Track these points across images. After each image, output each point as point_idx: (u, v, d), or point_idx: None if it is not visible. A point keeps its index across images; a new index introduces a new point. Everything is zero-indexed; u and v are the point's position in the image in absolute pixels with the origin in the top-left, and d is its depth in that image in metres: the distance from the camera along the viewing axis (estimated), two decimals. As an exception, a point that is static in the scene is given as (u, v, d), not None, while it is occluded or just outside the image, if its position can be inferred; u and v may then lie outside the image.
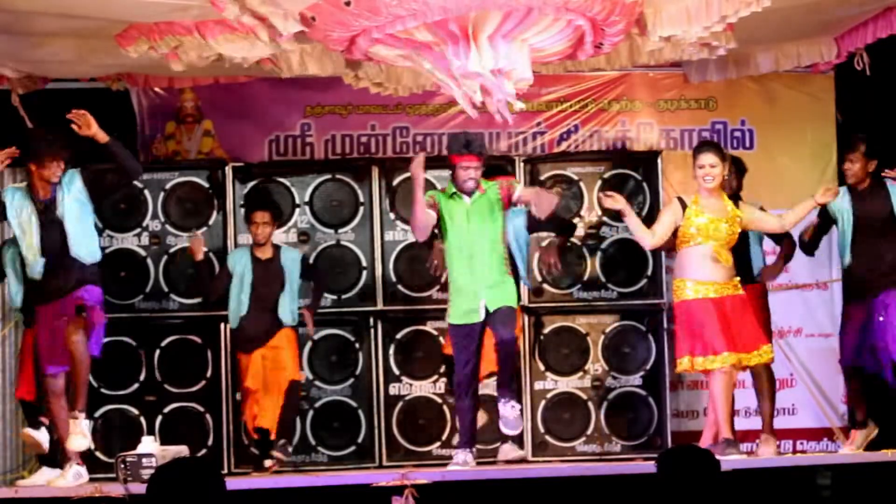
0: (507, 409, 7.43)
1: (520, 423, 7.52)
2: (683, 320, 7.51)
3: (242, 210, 8.94)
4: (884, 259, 7.85)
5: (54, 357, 7.12)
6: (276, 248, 8.43)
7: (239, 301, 8.29)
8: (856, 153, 7.98)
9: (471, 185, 7.47)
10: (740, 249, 7.75)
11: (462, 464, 7.40)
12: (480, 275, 7.40)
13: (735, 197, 7.90)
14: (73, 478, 7.03)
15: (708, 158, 7.54)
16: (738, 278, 7.56)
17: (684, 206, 7.54)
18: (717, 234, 7.49)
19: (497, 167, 8.44)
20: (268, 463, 8.21)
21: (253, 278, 8.27)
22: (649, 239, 7.64)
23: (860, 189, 7.99)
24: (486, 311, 7.38)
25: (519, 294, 7.87)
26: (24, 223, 7.17)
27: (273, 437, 8.25)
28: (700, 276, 7.47)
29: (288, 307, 8.32)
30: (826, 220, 8.09)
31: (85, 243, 7.21)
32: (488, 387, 8.08)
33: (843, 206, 7.97)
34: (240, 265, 8.33)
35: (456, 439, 8.63)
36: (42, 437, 7.57)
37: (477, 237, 7.43)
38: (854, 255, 7.92)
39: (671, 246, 7.74)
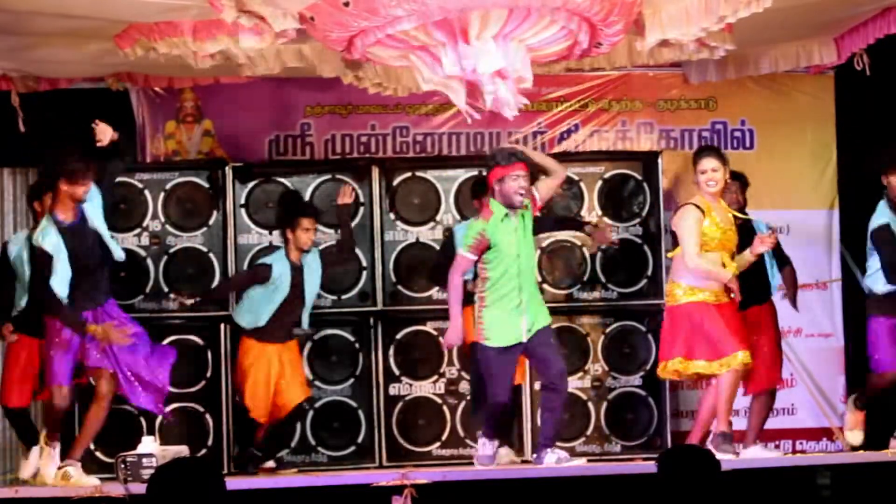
0: (551, 458, 7.42)
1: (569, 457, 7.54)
2: (680, 324, 7.51)
3: (243, 210, 8.94)
4: None
5: (68, 370, 7.17)
6: (299, 251, 8.37)
7: (271, 303, 8.22)
8: None
9: (522, 195, 7.42)
10: (758, 269, 7.74)
11: (483, 450, 7.48)
12: (525, 294, 7.44)
13: (742, 211, 7.90)
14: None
15: (710, 163, 7.51)
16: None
17: (702, 211, 7.49)
18: (728, 245, 7.49)
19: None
20: (271, 464, 8.23)
21: (291, 284, 8.24)
22: (696, 258, 7.49)
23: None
24: (528, 331, 7.41)
25: None
26: (54, 248, 7.15)
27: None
28: (701, 283, 7.46)
29: (308, 311, 8.36)
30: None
31: (114, 245, 7.32)
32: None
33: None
34: (281, 272, 8.26)
35: (456, 439, 8.68)
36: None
37: (524, 255, 7.47)
38: None
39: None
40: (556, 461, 7.37)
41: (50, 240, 7.13)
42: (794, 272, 8.35)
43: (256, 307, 8.25)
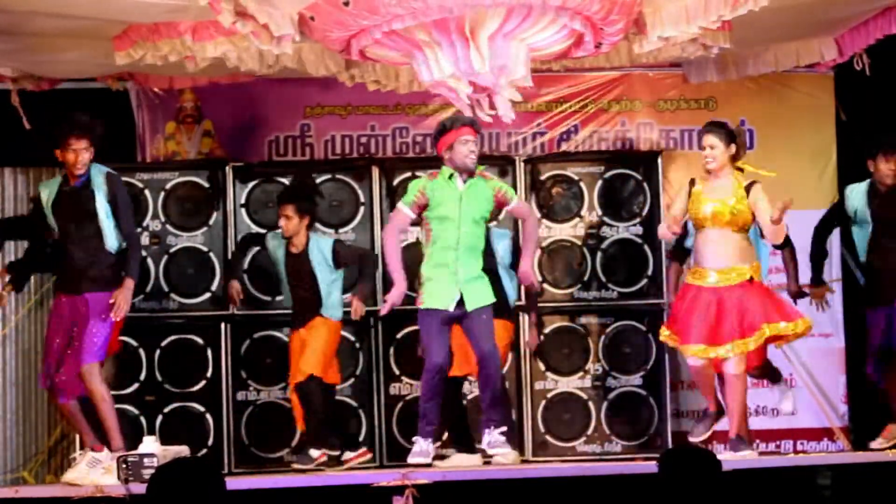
0: (494, 435, 7.41)
1: (507, 445, 7.48)
2: (678, 300, 7.56)
3: (243, 210, 8.94)
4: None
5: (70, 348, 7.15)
6: (307, 238, 8.29)
7: (286, 294, 8.34)
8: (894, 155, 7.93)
9: (472, 160, 7.41)
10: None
11: (421, 454, 7.33)
12: (463, 263, 7.39)
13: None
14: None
15: (707, 139, 7.50)
16: (743, 265, 7.48)
17: (692, 185, 7.49)
18: (721, 219, 7.41)
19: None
20: (315, 454, 8.15)
21: (286, 272, 8.27)
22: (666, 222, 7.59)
23: (883, 190, 7.99)
24: (463, 304, 7.36)
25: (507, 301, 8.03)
26: (48, 210, 7.18)
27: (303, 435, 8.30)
28: (703, 264, 7.44)
29: (326, 297, 8.20)
30: (839, 219, 8.10)
31: (112, 242, 7.18)
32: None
33: (859, 204, 7.97)
34: (277, 254, 8.29)
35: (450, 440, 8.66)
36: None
37: (464, 225, 7.40)
38: (874, 256, 7.95)
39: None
40: (487, 444, 7.40)
41: (46, 191, 7.18)
42: (793, 253, 8.32)
43: (283, 293, 8.38)
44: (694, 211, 7.45)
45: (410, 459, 7.39)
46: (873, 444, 7.91)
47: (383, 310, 7.64)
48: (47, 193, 7.23)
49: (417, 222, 7.73)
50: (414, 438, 7.56)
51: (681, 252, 8.35)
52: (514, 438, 8.83)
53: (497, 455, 7.52)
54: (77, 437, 8.60)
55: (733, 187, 7.44)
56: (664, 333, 7.66)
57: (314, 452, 8.09)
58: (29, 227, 7.58)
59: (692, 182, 7.54)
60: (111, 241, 7.14)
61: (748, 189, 7.46)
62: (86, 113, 7.27)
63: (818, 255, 8.34)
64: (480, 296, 7.46)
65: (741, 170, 7.61)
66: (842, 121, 9.81)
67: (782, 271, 8.55)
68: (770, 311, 7.37)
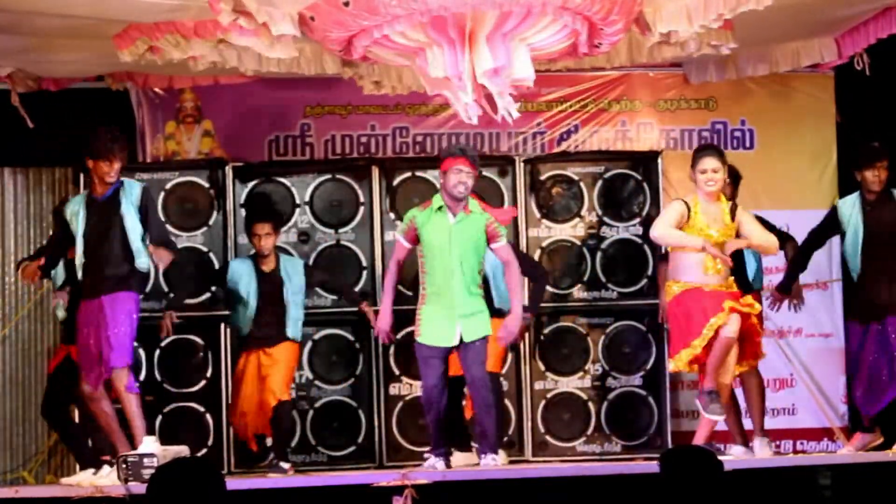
0: (488, 460, 7.37)
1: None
2: (675, 315, 7.49)
3: (243, 211, 8.93)
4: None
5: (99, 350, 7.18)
6: (277, 257, 8.31)
7: (245, 316, 8.16)
8: (883, 162, 7.90)
9: (461, 190, 7.30)
10: (736, 259, 7.70)
11: (431, 468, 7.31)
12: (459, 298, 7.31)
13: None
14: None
15: (711, 163, 7.47)
16: (733, 278, 7.52)
17: (688, 208, 7.47)
18: (711, 237, 7.43)
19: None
20: (286, 466, 8.16)
21: (259, 293, 8.16)
22: (657, 227, 7.54)
23: (871, 199, 7.95)
24: (461, 339, 7.32)
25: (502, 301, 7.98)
26: (75, 223, 7.23)
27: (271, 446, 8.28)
28: (690, 280, 7.44)
29: (293, 319, 8.21)
30: (831, 229, 8.07)
31: (137, 249, 7.24)
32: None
33: (852, 214, 7.94)
34: (244, 278, 8.19)
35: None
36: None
37: (457, 259, 7.31)
38: (865, 270, 7.88)
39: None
40: (490, 462, 7.36)
41: (72, 207, 7.26)
42: (796, 247, 8.31)
43: (239, 318, 8.21)
44: (698, 231, 7.43)
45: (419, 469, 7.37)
46: (841, 451, 7.87)
47: (382, 336, 7.61)
48: (72, 208, 7.31)
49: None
50: (426, 454, 7.57)
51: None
52: (510, 437, 8.88)
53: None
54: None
55: (723, 213, 7.47)
56: (682, 361, 7.49)
57: (285, 465, 8.09)
58: (60, 244, 7.59)
59: (686, 204, 7.50)
60: (135, 246, 7.23)
61: (732, 213, 7.51)
62: (116, 126, 7.41)
63: (797, 265, 8.26)
64: (478, 329, 7.38)
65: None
66: (846, 117, 9.80)
67: (782, 271, 8.55)
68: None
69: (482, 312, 7.44)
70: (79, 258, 7.22)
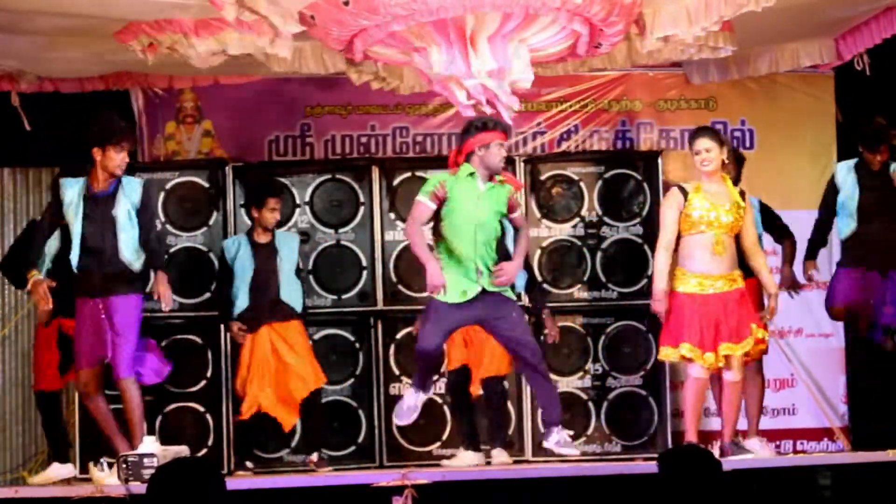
0: (563, 435, 7.38)
1: (572, 447, 7.52)
2: (674, 309, 7.50)
3: (243, 210, 8.92)
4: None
5: (97, 350, 7.15)
6: (272, 231, 8.36)
7: (243, 287, 8.19)
8: (884, 146, 8.09)
9: (503, 162, 7.29)
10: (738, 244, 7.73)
11: (410, 401, 7.31)
12: (482, 256, 7.24)
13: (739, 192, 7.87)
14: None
15: (703, 143, 7.49)
16: (739, 271, 7.51)
17: (685, 193, 7.50)
18: (718, 222, 7.41)
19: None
20: (314, 458, 8.23)
21: (255, 262, 8.20)
22: (662, 251, 7.50)
23: (872, 169, 8.13)
24: (480, 298, 7.17)
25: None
26: (71, 212, 7.09)
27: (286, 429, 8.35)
28: (699, 268, 7.41)
29: (293, 292, 8.24)
30: (833, 193, 8.19)
31: (134, 249, 7.18)
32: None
33: (847, 179, 8.07)
34: (241, 253, 8.25)
35: (456, 439, 8.66)
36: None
37: (484, 222, 7.27)
38: (863, 225, 8.09)
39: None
40: (555, 444, 7.34)
41: (69, 194, 7.06)
42: (793, 245, 8.36)
43: (236, 293, 8.23)
44: (696, 215, 7.42)
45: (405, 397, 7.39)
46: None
47: (436, 292, 7.23)
48: (70, 195, 7.11)
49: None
50: (408, 385, 7.52)
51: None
52: (510, 437, 8.89)
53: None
54: (77, 436, 8.63)
55: (729, 193, 7.47)
56: (670, 352, 7.49)
57: (314, 456, 8.21)
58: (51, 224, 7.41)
59: (682, 189, 7.50)
60: (132, 246, 7.15)
61: (742, 195, 7.52)
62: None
63: (816, 241, 8.41)
64: (505, 290, 7.31)
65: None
66: (846, 117, 9.80)
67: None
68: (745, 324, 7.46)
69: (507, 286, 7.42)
70: (75, 254, 7.09)
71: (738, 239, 7.50)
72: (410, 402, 7.33)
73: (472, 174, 7.28)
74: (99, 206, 7.10)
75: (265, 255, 8.24)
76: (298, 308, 8.27)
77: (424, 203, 7.30)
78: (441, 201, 7.28)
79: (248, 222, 8.98)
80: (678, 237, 7.50)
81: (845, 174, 8.20)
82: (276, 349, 8.15)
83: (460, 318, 7.26)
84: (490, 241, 7.34)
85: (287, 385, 8.14)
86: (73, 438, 8.57)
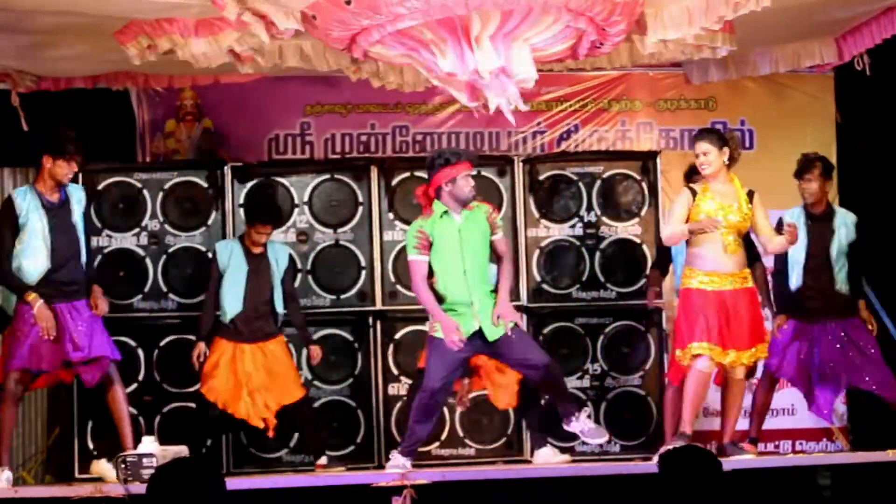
0: (582, 421, 7.46)
1: (600, 429, 7.61)
2: (684, 308, 7.52)
3: (242, 210, 8.91)
4: (833, 287, 7.99)
5: (56, 354, 7.18)
6: (265, 243, 8.34)
7: (234, 296, 8.16)
8: (812, 172, 8.06)
9: (472, 193, 7.38)
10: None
11: (399, 466, 7.26)
12: (475, 290, 7.33)
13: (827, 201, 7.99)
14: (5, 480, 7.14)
15: (701, 146, 7.56)
16: (749, 270, 7.55)
17: (694, 193, 7.53)
18: (726, 221, 7.44)
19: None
20: (324, 461, 8.24)
21: (248, 271, 8.18)
22: (665, 228, 7.67)
23: (816, 212, 8.11)
24: (482, 334, 7.28)
25: None
26: (33, 221, 7.17)
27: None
28: (708, 267, 7.46)
29: (280, 305, 8.26)
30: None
31: (86, 252, 7.36)
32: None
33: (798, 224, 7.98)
34: (234, 259, 8.22)
35: (455, 439, 8.67)
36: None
37: (468, 254, 7.35)
38: (807, 278, 8.03)
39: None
40: (581, 432, 7.43)
41: (23, 205, 7.16)
42: (764, 271, 8.30)
43: (228, 300, 8.17)
44: (703, 214, 7.45)
45: (387, 470, 7.35)
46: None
47: (455, 340, 7.29)
48: (24, 206, 7.20)
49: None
50: (392, 454, 7.51)
51: (665, 260, 8.44)
52: (510, 437, 8.87)
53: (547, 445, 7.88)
54: (76, 436, 8.63)
55: (737, 193, 7.50)
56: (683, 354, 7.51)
57: (324, 459, 8.23)
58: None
59: (691, 189, 7.56)
60: (85, 251, 7.34)
61: (750, 196, 7.56)
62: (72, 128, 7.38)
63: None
64: (499, 326, 7.37)
65: None
66: (846, 117, 9.80)
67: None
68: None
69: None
70: (42, 264, 7.15)
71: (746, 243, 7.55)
72: (396, 463, 7.34)
73: (445, 212, 7.35)
74: (57, 214, 7.23)
75: (257, 265, 8.23)
76: (279, 322, 8.28)
77: (416, 260, 7.41)
78: (428, 247, 7.33)
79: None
80: (687, 240, 7.55)
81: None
82: (257, 366, 8.14)
83: (458, 355, 7.33)
84: (481, 268, 7.41)
85: (264, 398, 8.12)
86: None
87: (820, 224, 8.09)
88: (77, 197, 7.33)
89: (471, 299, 7.32)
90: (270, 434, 8.26)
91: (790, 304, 8.10)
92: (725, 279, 7.46)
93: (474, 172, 7.47)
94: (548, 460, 7.82)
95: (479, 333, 7.33)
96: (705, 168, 7.53)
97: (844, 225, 8.10)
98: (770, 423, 8.97)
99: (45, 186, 7.25)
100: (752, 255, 7.91)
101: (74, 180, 7.49)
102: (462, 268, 7.35)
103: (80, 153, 7.27)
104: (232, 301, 8.18)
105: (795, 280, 8.06)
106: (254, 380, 8.13)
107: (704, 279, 7.46)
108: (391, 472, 7.12)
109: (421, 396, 7.39)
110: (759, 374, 8.21)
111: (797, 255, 8.03)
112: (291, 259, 8.54)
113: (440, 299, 7.37)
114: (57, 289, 7.19)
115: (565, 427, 7.58)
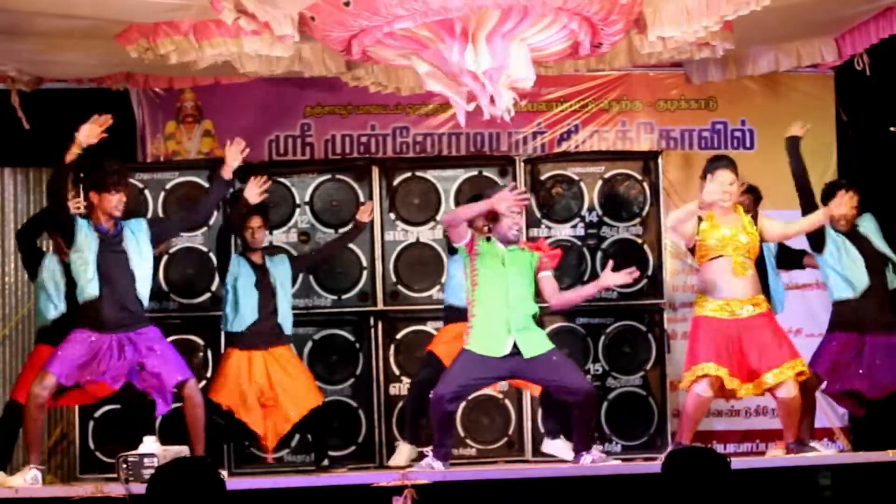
0: (595, 454, 7.39)
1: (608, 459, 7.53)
2: (693, 335, 7.52)
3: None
4: (875, 299, 7.98)
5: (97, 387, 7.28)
6: (263, 252, 8.30)
7: (245, 308, 8.09)
8: (851, 196, 8.04)
9: (516, 233, 7.35)
10: (760, 278, 7.74)
11: (428, 468, 7.23)
12: (514, 313, 7.25)
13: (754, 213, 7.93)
14: (31, 480, 7.10)
15: (728, 176, 7.51)
16: (763, 296, 7.56)
17: (700, 219, 7.52)
18: (736, 245, 7.46)
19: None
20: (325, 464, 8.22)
21: (256, 283, 8.12)
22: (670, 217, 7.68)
23: (845, 230, 8.10)
24: (518, 351, 7.20)
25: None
26: (85, 248, 7.19)
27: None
28: (720, 294, 7.47)
29: (286, 312, 8.21)
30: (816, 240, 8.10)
31: (146, 285, 7.34)
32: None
33: (837, 237, 8.02)
34: (242, 269, 8.16)
35: (455, 439, 8.64)
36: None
37: (512, 281, 7.29)
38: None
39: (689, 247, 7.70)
40: (590, 462, 7.32)
41: (87, 229, 7.19)
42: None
43: (241, 312, 8.12)
44: (712, 239, 7.45)
45: (415, 468, 7.31)
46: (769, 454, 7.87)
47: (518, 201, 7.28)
48: (82, 226, 7.25)
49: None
50: (427, 452, 7.39)
51: None
52: (510, 437, 8.87)
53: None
54: (77, 436, 8.63)
55: (741, 218, 7.51)
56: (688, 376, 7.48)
57: (325, 462, 8.21)
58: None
59: (699, 217, 7.54)
60: (146, 286, 7.35)
61: (754, 218, 7.60)
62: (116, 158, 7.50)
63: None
64: (537, 344, 7.30)
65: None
66: (842, 121, 9.80)
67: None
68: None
69: (538, 330, 7.40)
70: (91, 291, 7.17)
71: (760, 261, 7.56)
72: (428, 464, 7.27)
73: (489, 239, 7.35)
74: (111, 243, 7.24)
75: (262, 275, 8.20)
76: (289, 331, 8.23)
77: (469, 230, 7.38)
78: (471, 249, 7.31)
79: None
80: (699, 267, 7.56)
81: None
82: (269, 374, 8.08)
83: (486, 373, 7.26)
84: (524, 299, 7.32)
85: (280, 409, 8.07)
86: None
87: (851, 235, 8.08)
88: (137, 227, 7.33)
89: (508, 316, 7.24)
90: (269, 459, 8.28)
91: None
92: (739, 305, 7.44)
93: (519, 210, 7.42)
94: (557, 453, 7.78)
95: (513, 354, 7.24)
96: (727, 200, 7.48)
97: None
98: (770, 424, 8.97)
99: (99, 220, 7.27)
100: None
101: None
102: (505, 289, 7.27)
103: (126, 182, 7.33)
104: (246, 309, 8.10)
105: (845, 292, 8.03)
106: (272, 386, 8.04)
107: (716, 307, 7.45)
108: (423, 471, 7.11)
109: (435, 402, 7.31)
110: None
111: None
112: (291, 258, 8.47)
113: (475, 310, 7.30)
114: (110, 316, 7.19)
115: (573, 462, 7.47)
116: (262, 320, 8.12)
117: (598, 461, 7.36)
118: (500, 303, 7.26)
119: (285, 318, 8.19)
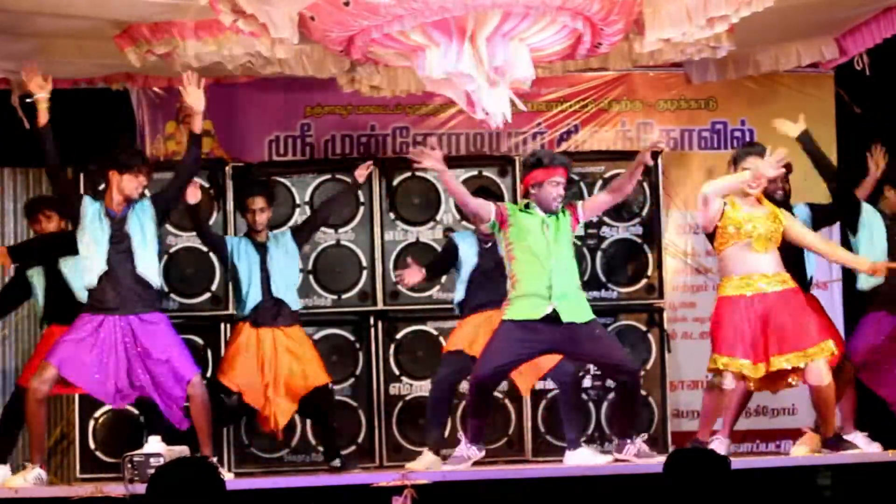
0: (640, 444, 7.33)
1: (651, 452, 7.45)
2: (716, 318, 7.40)
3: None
4: None
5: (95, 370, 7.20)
6: (266, 233, 8.24)
7: (253, 286, 8.04)
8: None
9: (558, 204, 7.24)
10: (794, 258, 7.66)
11: (464, 457, 7.22)
12: (557, 281, 7.13)
13: (786, 204, 7.88)
14: (33, 479, 7.09)
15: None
16: (788, 274, 7.46)
17: (724, 204, 7.42)
18: (756, 230, 7.35)
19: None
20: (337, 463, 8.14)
21: (260, 262, 8.10)
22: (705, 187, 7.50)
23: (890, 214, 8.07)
24: (558, 317, 7.08)
25: None
26: (93, 230, 7.17)
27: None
28: (740, 270, 7.34)
29: (291, 289, 8.15)
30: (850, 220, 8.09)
31: (151, 266, 7.28)
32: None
33: (872, 220, 8.00)
34: (245, 253, 8.14)
35: (455, 439, 8.65)
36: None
37: (554, 248, 7.19)
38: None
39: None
40: (635, 455, 7.29)
41: (90, 212, 7.16)
42: None
43: (246, 293, 8.08)
44: (732, 229, 7.40)
45: (450, 461, 7.33)
46: (793, 451, 7.81)
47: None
48: (90, 213, 7.23)
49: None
50: (464, 440, 7.37)
51: None
52: (510, 437, 8.87)
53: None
54: (77, 436, 8.64)
55: (767, 207, 7.47)
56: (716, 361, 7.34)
57: (337, 462, 8.10)
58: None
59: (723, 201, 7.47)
60: (153, 266, 7.29)
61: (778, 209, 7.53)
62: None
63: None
64: (578, 311, 7.18)
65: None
66: (846, 117, 9.79)
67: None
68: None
69: (581, 298, 7.28)
70: (97, 271, 7.15)
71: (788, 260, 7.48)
72: (462, 454, 7.27)
73: (527, 205, 7.24)
74: (119, 227, 7.20)
75: (264, 256, 8.18)
76: (296, 306, 8.17)
77: (491, 203, 7.28)
78: (502, 222, 7.21)
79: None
80: (718, 255, 7.50)
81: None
82: (280, 348, 8.02)
83: (526, 342, 7.10)
84: (568, 272, 7.22)
85: (289, 384, 8.00)
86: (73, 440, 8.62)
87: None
88: (142, 207, 7.28)
89: (549, 289, 7.09)
90: (279, 436, 8.22)
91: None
92: (763, 280, 7.32)
93: (563, 180, 7.29)
94: (586, 461, 7.57)
95: (552, 321, 7.09)
96: (754, 188, 7.41)
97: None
98: (770, 423, 8.99)
99: (113, 202, 7.24)
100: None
101: (96, 184, 7.46)
102: (545, 259, 7.14)
103: (148, 166, 7.27)
104: (251, 291, 8.06)
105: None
106: (279, 365, 7.96)
107: (738, 284, 7.34)
108: (460, 467, 7.10)
109: (471, 389, 7.24)
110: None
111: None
112: (291, 229, 8.42)
113: (514, 283, 7.17)
114: (111, 300, 7.16)
115: (616, 452, 7.42)
116: (267, 299, 8.07)
117: (642, 455, 7.28)
118: (540, 270, 7.14)
119: (287, 293, 8.09)
